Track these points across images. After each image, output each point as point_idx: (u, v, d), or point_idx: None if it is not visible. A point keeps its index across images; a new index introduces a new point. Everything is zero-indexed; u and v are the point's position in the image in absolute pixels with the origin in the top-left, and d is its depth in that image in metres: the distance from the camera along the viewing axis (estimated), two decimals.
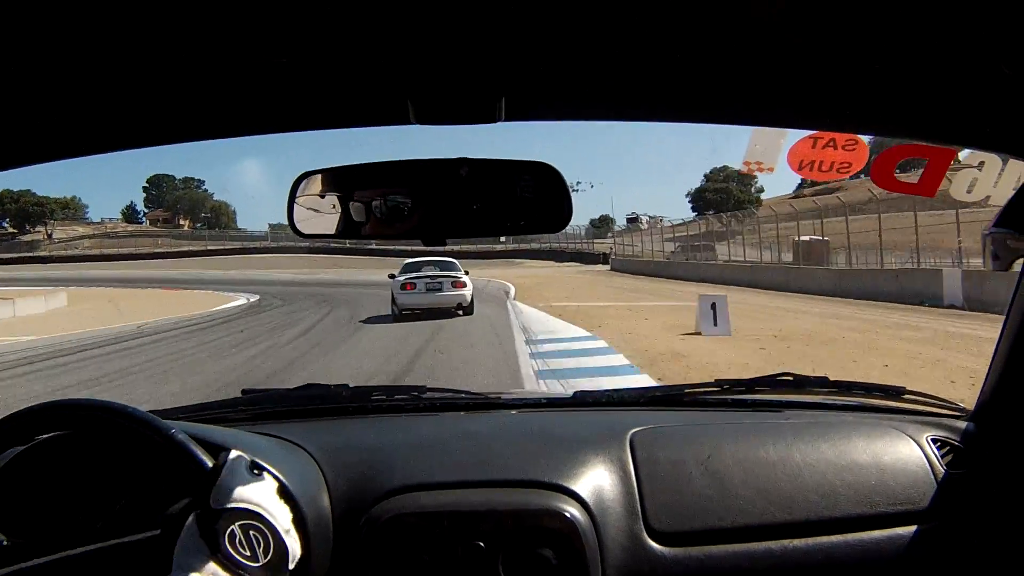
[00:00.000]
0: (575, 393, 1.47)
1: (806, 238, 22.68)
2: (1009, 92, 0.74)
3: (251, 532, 0.79)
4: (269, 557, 0.80)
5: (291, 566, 0.83)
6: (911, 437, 1.20)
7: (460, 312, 13.48)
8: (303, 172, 0.94)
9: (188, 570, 0.77)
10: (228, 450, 0.87)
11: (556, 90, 0.80)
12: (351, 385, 1.46)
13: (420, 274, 13.95)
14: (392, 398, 1.45)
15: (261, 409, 1.38)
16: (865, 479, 1.14)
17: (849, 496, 1.13)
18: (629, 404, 1.44)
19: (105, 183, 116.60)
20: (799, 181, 49.37)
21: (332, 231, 0.93)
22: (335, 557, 1.05)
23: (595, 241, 44.23)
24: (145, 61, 0.69)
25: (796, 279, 20.04)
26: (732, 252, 28.28)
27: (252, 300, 19.62)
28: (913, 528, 1.12)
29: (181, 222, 73.73)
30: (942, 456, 1.17)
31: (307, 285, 25.34)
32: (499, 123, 0.81)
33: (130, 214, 77.99)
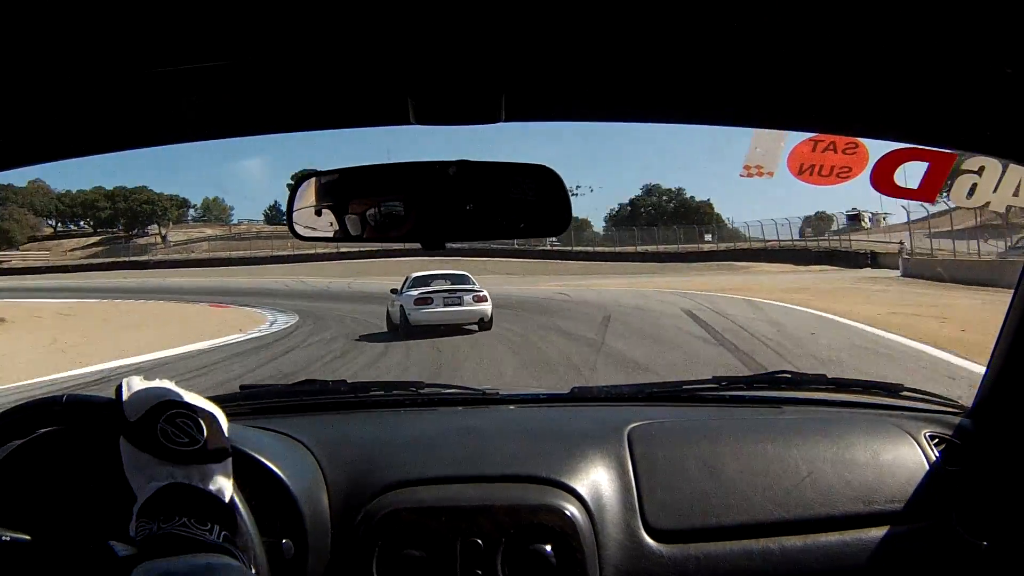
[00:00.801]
0: (573, 388, 1.47)
1: None
2: (1010, 96, 0.74)
3: (177, 420, 0.79)
4: (206, 433, 0.80)
5: (227, 431, 0.84)
6: (909, 434, 1.20)
7: (477, 328, 12.02)
8: (303, 174, 0.94)
9: (148, 482, 0.76)
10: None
11: (557, 90, 0.81)
12: (349, 381, 1.47)
13: (435, 288, 12.54)
14: (390, 393, 1.45)
15: (259, 404, 1.39)
16: (863, 476, 1.14)
17: (847, 493, 1.13)
18: (627, 400, 1.44)
19: (253, 183, 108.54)
20: None
21: (330, 235, 0.93)
22: (333, 552, 1.06)
23: (850, 237, 34.36)
24: (146, 60, 0.69)
25: None
26: None
27: (264, 331, 13.85)
28: (911, 525, 1.12)
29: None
30: (940, 453, 1.18)
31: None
32: (502, 126, 0.82)
33: (273, 215, 66.20)
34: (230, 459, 0.82)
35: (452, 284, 12.94)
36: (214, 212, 67.57)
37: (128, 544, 0.78)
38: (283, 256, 46.04)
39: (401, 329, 12.05)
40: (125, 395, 0.81)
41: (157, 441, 0.78)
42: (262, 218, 67.54)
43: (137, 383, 0.83)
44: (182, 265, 47.33)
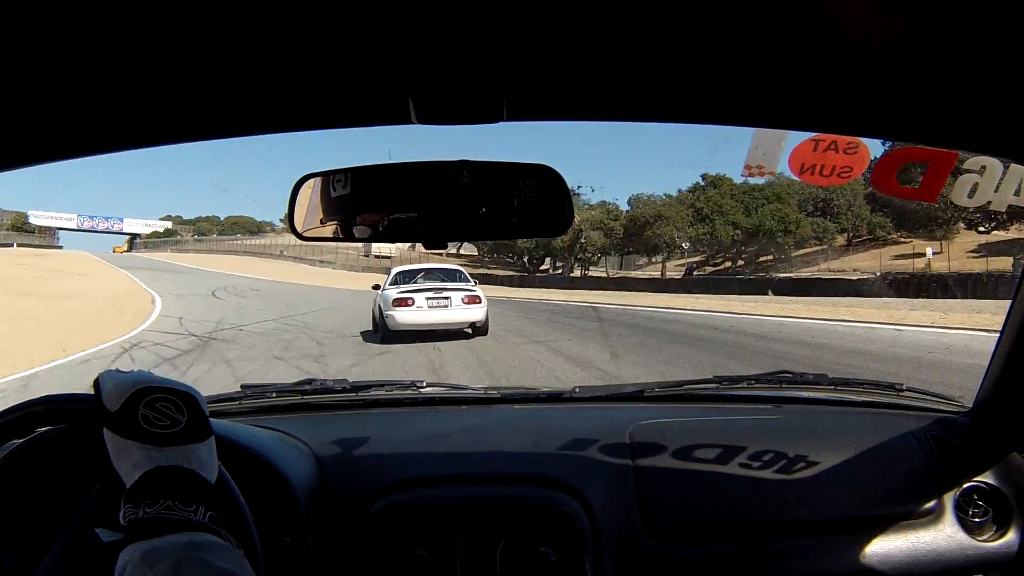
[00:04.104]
0: (574, 388, 1.47)
1: None
2: (1010, 95, 0.74)
3: (157, 404, 0.80)
4: (186, 414, 0.81)
5: (207, 409, 0.84)
6: (910, 434, 1.20)
7: (470, 331, 10.21)
8: (304, 174, 0.94)
9: (133, 470, 0.77)
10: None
11: (559, 89, 0.80)
12: (351, 380, 1.47)
13: (419, 286, 10.45)
14: (391, 393, 1.45)
15: (261, 403, 1.39)
16: (863, 476, 1.14)
17: (847, 493, 1.13)
18: (628, 399, 1.44)
19: None
20: None
21: (332, 234, 0.93)
22: (333, 550, 1.06)
23: None
24: (145, 60, 0.69)
25: None
26: None
27: None
28: (911, 524, 1.12)
29: None
30: (940, 452, 1.17)
31: None
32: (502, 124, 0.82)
33: None
34: (212, 438, 0.83)
35: (441, 281, 10.76)
36: None
37: (117, 531, 0.79)
38: None
39: (379, 333, 10.13)
40: (104, 387, 0.82)
41: (139, 427, 0.78)
42: None
43: (113, 374, 0.84)
44: None
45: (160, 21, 0.62)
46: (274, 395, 1.43)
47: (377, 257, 47.64)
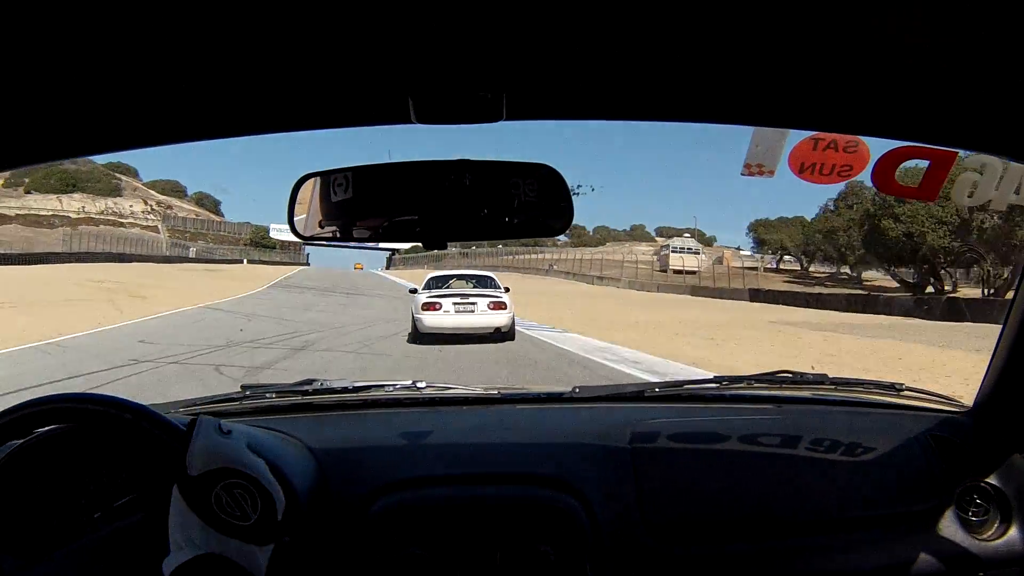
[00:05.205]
0: (575, 388, 1.47)
1: None
2: (1010, 95, 0.74)
3: (236, 491, 0.79)
4: (259, 512, 0.79)
5: (280, 516, 0.82)
6: (910, 434, 1.20)
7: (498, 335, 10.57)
8: (304, 174, 0.94)
9: (185, 544, 0.76)
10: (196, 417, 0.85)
11: (558, 89, 0.80)
12: (350, 381, 1.47)
13: (448, 291, 10.99)
14: (390, 393, 1.45)
15: (261, 403, 1.39)
16: (863, 476, 1.14)
17: (847, 493, 1.13)
18: (628, 399, 1.44)
19: None
20: None
21: (332, 234, 0.93)
22: (333, 551, 1.06)
23: None
24: (146, 61, 0.69)
25: None
26: None
27: None
28: (911, 524, 1.12)
29: None
30: (941, 453, 1.17)
31: None
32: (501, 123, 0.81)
33: None
34: (273, 545, 0.81)
35: (472, 287, 11.37)
36: None
37: None
38: None
39: (411, 335, 10.71)
40: (195, 440, 0.79)
41: (209, 506, 0.77)
42: None
43: (210, 433, 0.81)
44: None
45: (161, 21, 0.62)
46: (274, 395, 1.43)
47: (677, 272, 36.70)
